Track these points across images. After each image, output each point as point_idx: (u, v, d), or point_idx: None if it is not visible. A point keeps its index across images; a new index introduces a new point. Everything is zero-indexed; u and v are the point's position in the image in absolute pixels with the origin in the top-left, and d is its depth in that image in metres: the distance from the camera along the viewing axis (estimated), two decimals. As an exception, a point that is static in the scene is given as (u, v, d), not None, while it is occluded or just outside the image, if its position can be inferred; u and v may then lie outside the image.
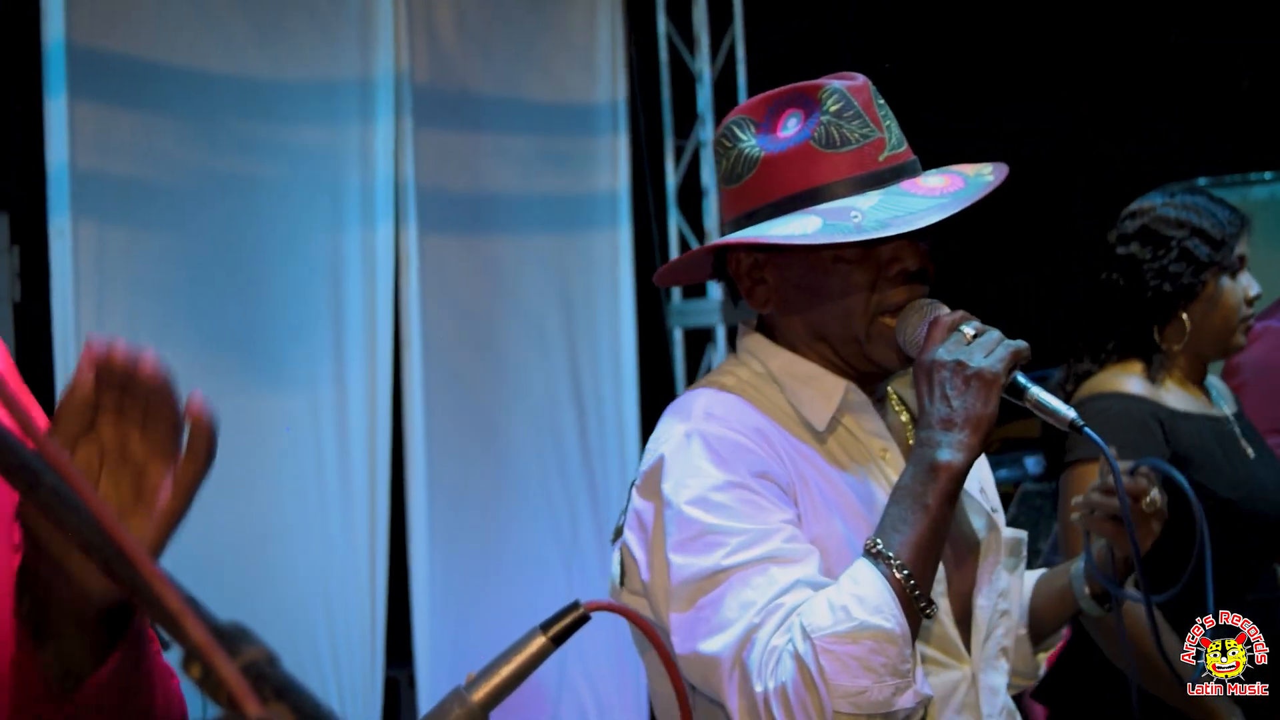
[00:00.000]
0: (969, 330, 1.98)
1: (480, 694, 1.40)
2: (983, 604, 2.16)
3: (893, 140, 2.08)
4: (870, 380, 2.17)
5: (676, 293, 6.97)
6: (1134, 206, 3.36)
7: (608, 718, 6.42)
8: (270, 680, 0.99)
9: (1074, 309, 3.53)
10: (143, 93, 5.32)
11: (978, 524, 2.21)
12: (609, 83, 6.66)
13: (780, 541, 1.94)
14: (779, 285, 2.11)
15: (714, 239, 6.95)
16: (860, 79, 2.11)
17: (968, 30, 8.66)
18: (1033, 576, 2.51)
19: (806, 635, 1.84)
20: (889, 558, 1.89)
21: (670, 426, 2.08)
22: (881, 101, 2.11)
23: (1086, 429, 2.02)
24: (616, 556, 2.13)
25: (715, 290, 7.10)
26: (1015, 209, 1.85)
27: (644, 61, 6.83)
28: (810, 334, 2.11)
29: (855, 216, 1.99)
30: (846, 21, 8.02)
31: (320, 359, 5.74)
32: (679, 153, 7.04)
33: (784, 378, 2.12)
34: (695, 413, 2.05)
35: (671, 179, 7.04)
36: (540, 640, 1.44)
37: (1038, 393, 2.01)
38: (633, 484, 2.11)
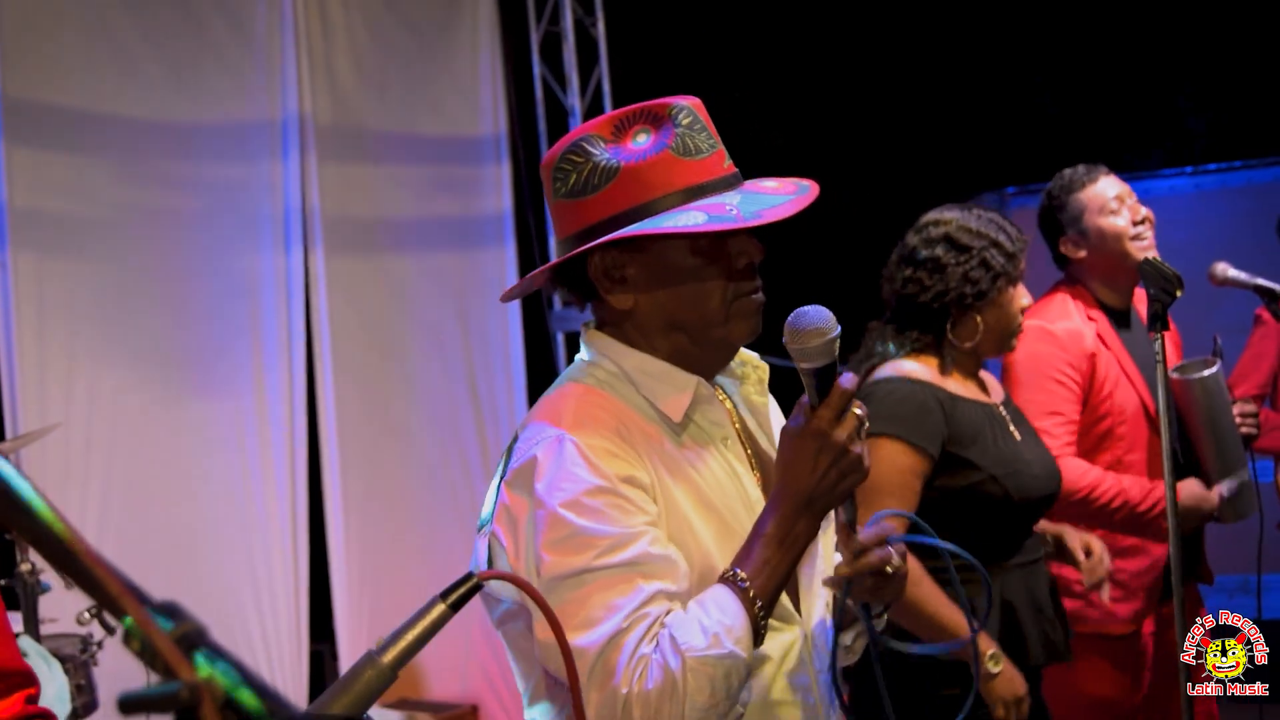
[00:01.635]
0: (859, 412, 1.98)
1: (389, 656, 1.45)
2: (808, 571, 2.18)
3: (727, 154, 2.10)
4: (716, 366, 2.18)
5: (556, 302, 7.08)
6: (935, 215, 3.44)
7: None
8: (201, 649, 1.00)
9: (880, 300, 3.55)
10: (73, 137, 5.34)
11: None
12: (491, 118, 6.72)
13: (645, 545, 1.92)
14: (641, 280, 2.09)
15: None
16: (696, 100, 2.12)
17: (807, 59, 8.81)
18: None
19: (678, 651, 1.85)
20: (752, 599, 1.91)
21: (542, 429, 2.04)
22: (711, 121, 2.12)
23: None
24: (482, 546, 2.07)
25: (592, 298, 7.25)
26: (831, 213, 1.97)
27: (521, 98, 6.90)
28: (668, 324, 2.10)
29: (730, 210, 2.00)
30: (701, 63, 8.13)
31: (241, 371, 5.76)
32: None
33: (638, 376, 2.11)
34: (566, 417, 2.03)
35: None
36: (440, 608, 1.49)
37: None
38: (501, 480, 2.05)
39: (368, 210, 6.28)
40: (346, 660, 5.92)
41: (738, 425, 2.23)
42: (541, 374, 6.91)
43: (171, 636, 0.97)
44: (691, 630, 1.87)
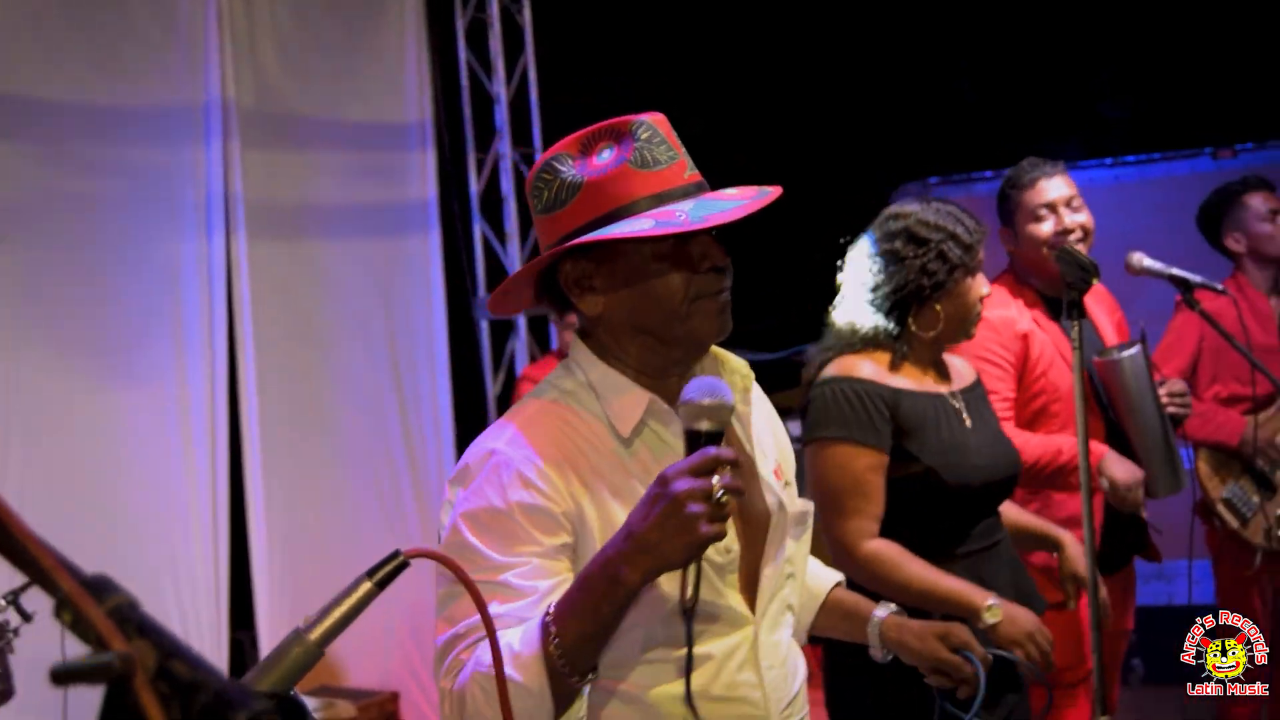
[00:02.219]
0: (717, 481, 1.93)
1: (316, 633, 1.48)
2: (769, 573, 2.25)
3: (690, 163, 2.19)
4: (685, 364, 2.25)
5: (481, 287, 7.10)
6: (895, 209, 3.47)
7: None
8: (133, 621, 1.01)
9: (826, 295, 3.57)
10: (-6, 122, 5.32)
11: (770, 501, 2.29)
12: (417, 104, 6.73)
13: (513, 575, 2.04)
14: (607, 287, 2.18)
15: (514, 240, 7.20)
16: (659, 115, 2.22)
17: (731, 49, 8.87)
18: (825, 576, 2.69)
19: (474, 667, 1.98)
20: (552, 635, 1.96)
21: (486, 439, 2.19)
22: (675, 134, 2.21)
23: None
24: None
25: (517, 286, 7.28)
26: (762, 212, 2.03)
27: (447, 85, 6.90)
28: (635, 327, 2.20)
29: (680, 215, 2.09)
30: (626, 51, 8.17)
31: (163, 358, 5.73)
32: (480, 165, 7.13)
33: (601, 389, 2.21)
34: (506, 434, 2.16)
35: (474, 189, 7.12)
36: (366, 585, 1.53)
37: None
38: (450, 475, 2.22)
39: (291, 196, 6.27)
40: (266, 648, 5.82)
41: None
42: (466, 362, 6.94)
43: (104, 608, 0.98)
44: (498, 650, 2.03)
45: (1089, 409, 4.20)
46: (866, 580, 3.21)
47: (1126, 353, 4.11)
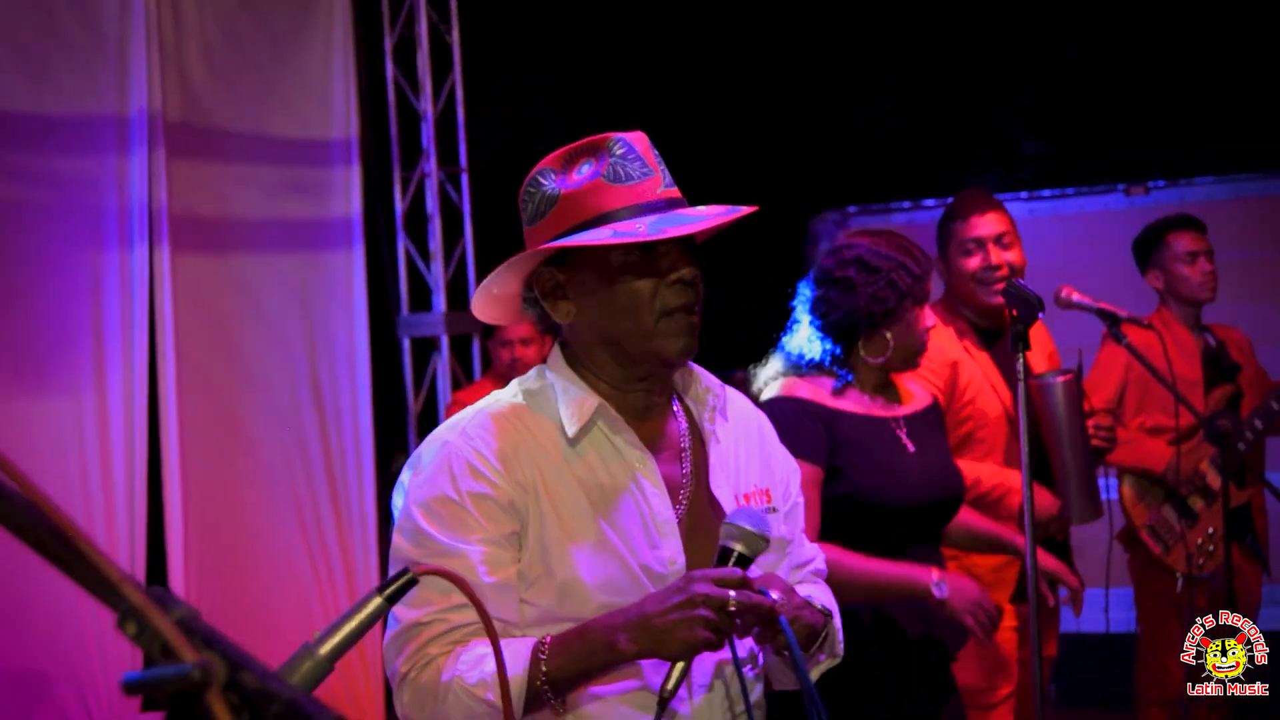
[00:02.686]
0: (734, 596, 2.06)
1: (326, 647, 1.47)
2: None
3: (666, 180, 2.26)
4: (654, 378, 2.32)
5: (404, 305, 7.09)
6: (848, 240, 3.58)
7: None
8: (199, 632, 1.02)
9: (769, 320, 3.68)
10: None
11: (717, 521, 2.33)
12: (343, 120, 6.69)
13: (460, 562, 2.13)
14: (577, 297, 2.28)
15: (438, 259, 7.21)
16: (639, 133, 2.31)
17: (652, 78, 8.93)
18: None
19: (456, 672, 2.10)
20: (543, 670, 2.10)
21: (445, 428, 2.32)
22: (656, 152, 2.29)
23: None
24: None
25: (439, 303, 7.29)
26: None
27: (374, 102, 6.91)
28: (603, 338, 2.28)
29: (640, 227, 2.17)
30: (555, 72, 8.21)
31: (82, 369, 5.67)
32: (406, 183, 7.13)
33: (558, 389, 2.30)
34: (460, 425, 2.28)
35: (399, 206, 7.12)
36: (376, 601, 1.55)
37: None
38: (409, 460, 2.32)
39: (215, 209, 6.23)
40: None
41: (687, 447, 2.38)
42: (388, 380, 6.92)
43: (171, 619, 0.99)
44: (474, 664, 2.11)
45: (1015, 432, 4.31)
46: None
47: (1061, 378, 4.20)
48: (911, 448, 3.57)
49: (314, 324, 6.62)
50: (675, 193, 2.28)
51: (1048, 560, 3.76)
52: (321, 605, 6.42)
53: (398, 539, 2.22)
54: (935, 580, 3.35)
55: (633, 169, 2.25)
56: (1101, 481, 4.60)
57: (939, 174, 8.69)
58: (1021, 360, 3.31)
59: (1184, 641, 5.09)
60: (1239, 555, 5.07)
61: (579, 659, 2.10)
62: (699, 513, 2.34)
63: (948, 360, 4.29)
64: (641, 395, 2.34)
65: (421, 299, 7.23)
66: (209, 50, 6.23)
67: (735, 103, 8.92)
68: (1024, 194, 7.97)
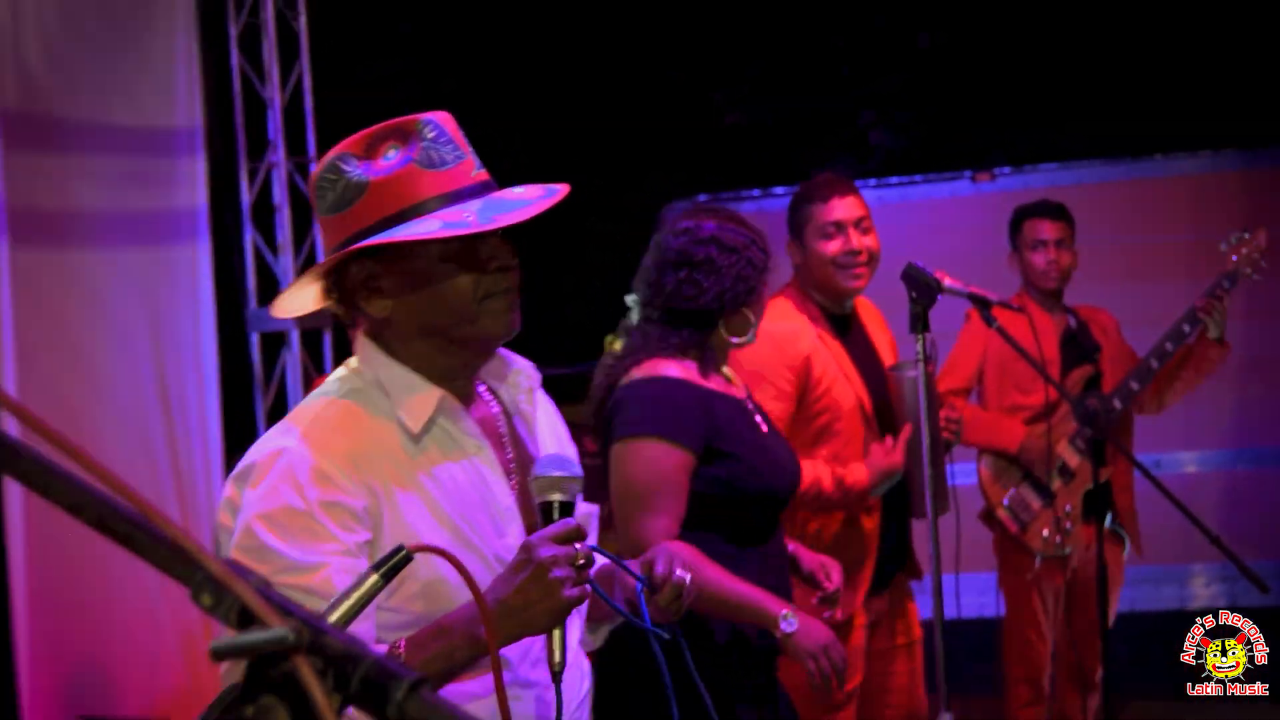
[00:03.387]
0: (580, 549, 2.09)
1: (334, 616, 1.53)
2: None
3: (477, 163, 2.25)
4: (474, 364, 2.33)
5: (253, 300, 7.00)
6: (691, 220, 3.57)
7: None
8: (274, 599, 1.03)
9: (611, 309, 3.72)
10: None
11: None
12: (187, 109, 6.58)
13: (316, 577, 2.06)
14: (395, 289, 2.23)
15: (287, 251, 7.14)
16: (446, 114, 2.26)
17: (506, 64, 8.94)
18: None
19: None
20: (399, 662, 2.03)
21: (273, 436, 2.22)
22: (462, 132, 2.26)
23: None
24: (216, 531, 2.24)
25: (290, 298, 7.20)
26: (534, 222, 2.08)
27: (220, 90, 6.79)
28: (423, 329, 2.24)
29: (467, 216, 2.14)
30: (405, 59, 8.17)
31: (-84, 370, 5.47)
32: (253, 174, 7.01)
33: (390, 387, 2.25)
34: (297, 429, 2.20)
35: (246, 198, 6.99)
36: (373, 578, 1.60)
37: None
38: (232, 472, 2.22)
39: (56, 202, 6.07)
40: (27, 680, 5.68)
41: (506, 432, 2.39)
42: (237, 377, 6.82)
43: (252, 587, 1.00)
44: None
45: (869, 423, 4.41)
46: None
47: (918, 370, 4.32)
48: (764, 428, 3.62)
49: (159, 320, 6.48)
50: (486, 175, 2.27)
51: (811, 557, 3.72)
52: (170, 610, 6.32)
53: (239, 559, 2.05)
54: (784, 613, 3.31)
55: (446, 153, 2.22)
56: (963, 466, 4.76)
57: (787, 162, 8.81)
58: (921, 343, 3.42)
59: (1044, 619, 5.33)
60: (1100, 534, 5.16)
61: (439, 658, 2.07)
62: (531, 496, 2.30)
63: (801, 353, 4.30)
64: (463, 384, 2.33)
65: (270, 293, 7.12)
66: (47, 38, 6.03)
67: (584, 90, 8.96)
68: (872, 181, 8.14)
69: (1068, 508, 5.26)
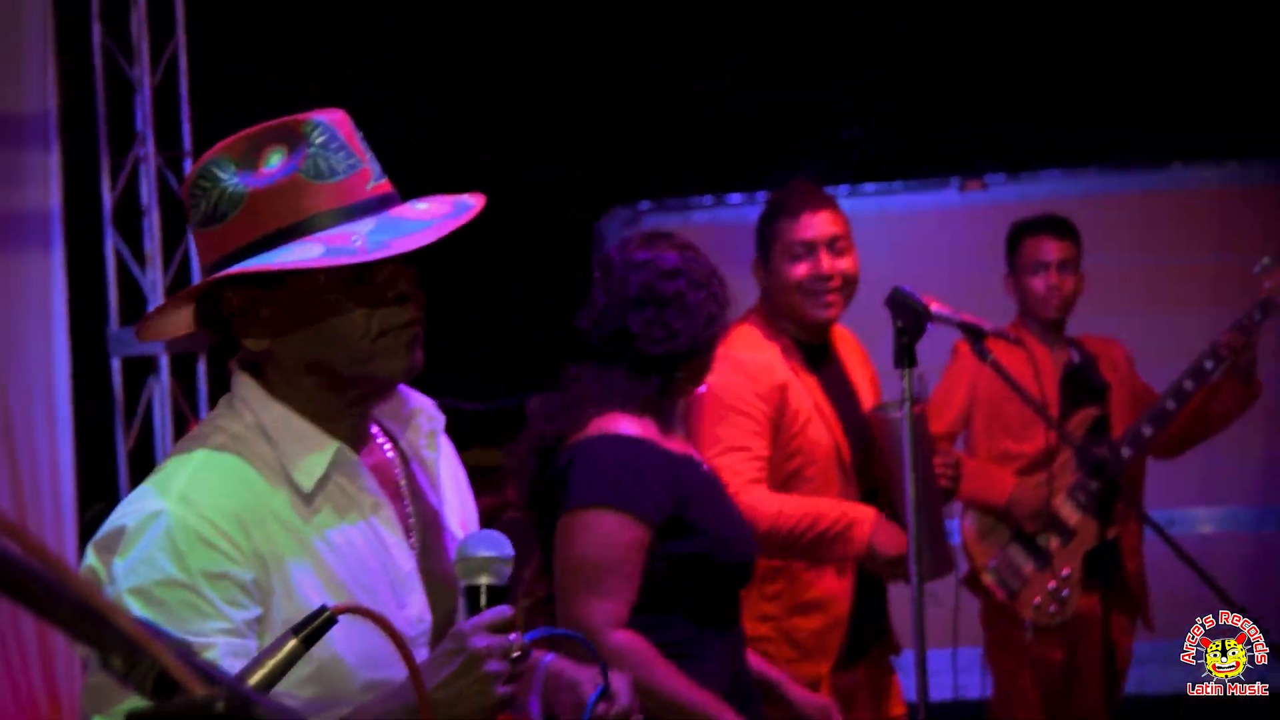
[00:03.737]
0: (515, 640, 2.14)
1: (251, 682, 1.57)
2: None
3: (375, 171, 2.23)
4: (366, 407, 2.33)
5: (114, 319, 6.94)
6: (648, 251, 3.60)
7: None
8: (198, 667, 1.07)
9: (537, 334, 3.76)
10: None
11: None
12: (38, 92, 6.51)
13: (212, 657, 2.03)
14: (275, 319, 2.22)
15: (155, 262, 7.11)
16: (339, 113, 2.25)
17: (417, 47, 8.92)
18: None
19: None
20: None
21: (145, 496, 2.18)
22: (361, 134, 2.25)
23: None
24: None
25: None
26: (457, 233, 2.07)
27: (78, 71, 6.73)
28: (309, 365, 2.24)
29: (356, 241, 2.12)
30: (300, 39, 8.10)
31: None
32: (116, 170, 6.92)
33: (276, 434, 2.24)
34: (174, 488, 2.17)
35: (107, 198, 6.91)
36: (292, 643, 1.63)
37: None
38: (93, 539, 2.18)
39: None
40: None
41: (404, 483, 2.40)
42: (93, 407, 6.75)
43: (172, 651, 1.03)
44: None
45: (845, 471, 4.45)
46: None
47: (902, 410, 4.18)
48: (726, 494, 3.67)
49: (3, 341, 6.44)
50: (386, 186, 2.26)
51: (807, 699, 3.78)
52: (9, 682, 6.30)
53: None
54: None
55: (336, 161, 2.21)
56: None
57: (745, 165, 8.83)
58: (908, 379, 3.46)
59: (1038, 699, 5.33)
60: (1106, 603, 5.09)
61: None
62: (434, 557, 2.36)
63: (776, 383, 4.31)
64: (352, 425, 2.32)
65: (135, 309, 7.09)
66: None
67: (511, 79, 8.96)
68: (844, 189, 8.16)
69: (1065, 572, 5.23)
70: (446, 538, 2.40)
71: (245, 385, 2.29)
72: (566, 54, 9.06)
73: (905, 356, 3.51)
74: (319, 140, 2.19)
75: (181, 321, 2.32)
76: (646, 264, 3.56)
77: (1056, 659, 5.30)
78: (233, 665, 1.98)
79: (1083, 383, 5.39)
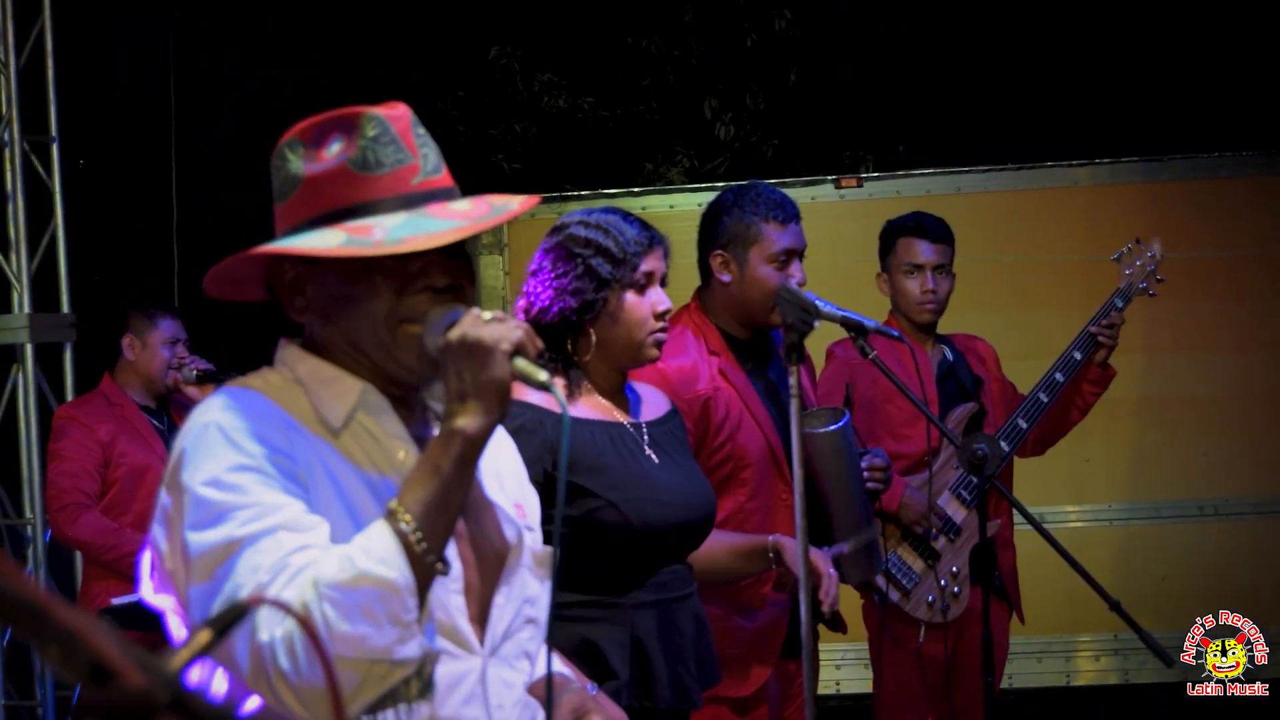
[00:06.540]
0: (485, 315, 2.20)
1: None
2: (499, 603, 2.43)
3: (428, 166, 2.31)
4: (402, 387, 2.38)
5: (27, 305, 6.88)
6: (557, 223, 3.70)
7: None
8: (133, 655, 1.07)
9: None
10: None
11: (508, 532, 2.48)
12: None
13: (291, 513, 2.13)
14: (316, 297, 2.32)
15: (22, 250, 7.02)
16: (402, 108, 2.34)
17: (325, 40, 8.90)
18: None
19: (314, 585, 2.03)
20: (400, 513, 2.10)
21: (191, 422, 2.24)
22: (422, 131, 2.34)
23: None
24: (146, 557, 2.25)
25: (23, 303, 7.09)
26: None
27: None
28: (346, 342, 2.33)
29: (377, 233, 2.20)
30: (164, 16, 8.03)
31: None
32: None
33: (308, 381, 2.33)
34: (214, 405, 2.24)
35: None
36: (204, 634, 1.52)
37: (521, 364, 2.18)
38: (162, 483, 2.24)
39: None
40: None
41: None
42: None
43: (109, 642, 1.03)
44: (328, 563, 2.08)
45: (781, 470, 4.45)
46: None
47: (833, 425, 4.29)
48: (656, 458, 3.72)
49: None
50: (438, 181, 2.33)
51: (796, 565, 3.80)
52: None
53: (194, 537, 2.13)
54: None
55: (385, 154, 2.29)
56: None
57: (617, 162, 8.89)
58: (796, 374, 3.50)
59: (923, 694, 5.36)
60: (985, 598, 5.17)
61: (427, 477, 2.16)
62: (480, 526, 2.44)
63: (697, 394, 4.32)
64: (402, 395, 2.40)
65: (1, 297, 7.05)
66: None
67: (430, 78, 8.97)
68: (719, 185, 8.18)
69: (954, 568, 5.29)
70: (493, 511, 2.49)
71: (288, 350, 2.41)
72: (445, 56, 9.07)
73: (794, 354, 3.55)
74: (371, 134, 2.29)
75: (252, 289, 2.44)
76: (552, 231, 3.72)
77: (939, 657, 5.30)
78: (308, 521, 2.14)
79: (957, 380, 5.43)
